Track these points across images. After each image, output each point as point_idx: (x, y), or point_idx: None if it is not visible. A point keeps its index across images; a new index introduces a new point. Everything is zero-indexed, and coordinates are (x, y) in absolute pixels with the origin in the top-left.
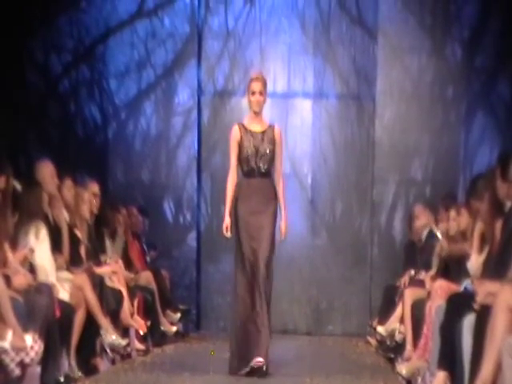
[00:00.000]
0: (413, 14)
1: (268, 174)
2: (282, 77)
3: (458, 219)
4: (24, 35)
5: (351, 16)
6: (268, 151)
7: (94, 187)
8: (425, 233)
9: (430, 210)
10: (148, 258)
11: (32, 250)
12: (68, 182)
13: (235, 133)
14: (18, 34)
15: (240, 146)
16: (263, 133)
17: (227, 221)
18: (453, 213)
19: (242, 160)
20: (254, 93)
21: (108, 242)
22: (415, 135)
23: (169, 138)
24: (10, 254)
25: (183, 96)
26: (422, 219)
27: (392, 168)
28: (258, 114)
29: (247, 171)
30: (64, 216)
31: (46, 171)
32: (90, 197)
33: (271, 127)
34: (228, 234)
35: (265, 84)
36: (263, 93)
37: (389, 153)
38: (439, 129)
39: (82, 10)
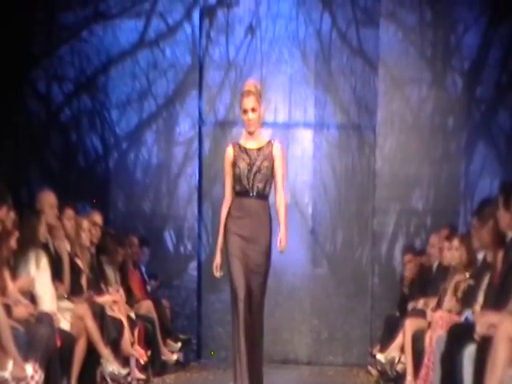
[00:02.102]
0: (413, 45)
1: (263, 196)
2: (282, 107)
3: (459, 249)
4: (26, 64)
5: (352, 47)
6: (263, 168)
7: (96, 217)
8: (436, 263)
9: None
10: (149, 288)
11: (33, 280)
12: (69, 212)
13: (228, 154)
14: (20, 64)
15: (234, 165)
16: (259, 149)
17: (218, 260)
18: (455, 243)
19: (235, 180)
20: (245, 111)
21: (109, 272)
22: (416, 165)
23: (170, 168)
24: (10, 283)
25: (184, 126)
26: (436, 248)
27: (393, 198)
28: (253, 133)
29: (239, 191)
30: (65, 245)
31: (47, 201)
32: (89, 226)
33: (270, 143)
34: (218, 274)
35: (258, 97)
36: (256, 109)
37: (389, 183)
38: (440, 159)
39: (83, 39)
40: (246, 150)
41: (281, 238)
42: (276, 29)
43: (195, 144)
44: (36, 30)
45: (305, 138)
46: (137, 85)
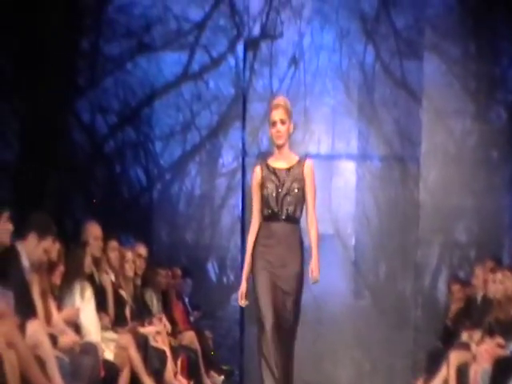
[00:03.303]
0: (457, 77)
1: (294, 220)
2: (325, 139)
3: (504, 282)
4: (71, 96)
5: (395, 79)
6: (293, 190)
7: (140, 248)
8: (480, 294)
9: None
10: (191, 318)
11: (77, 310)
12: (113, 243)
13: (256, 174)
14: (65, 95)
15: (261, 187)
16: (289, 169)
17: (243, 288)
18: (499, 276)
19: (263, 203)
20: (274, 123)
21: (152, 302)
22: (459, 197)
23: (213, 199)
24: (55, 313)
25: (227, 157)
26: (480, 280)
27: (436, 230)
28: (281, 147)
29: (268, 215)
30: (109, 277)
31: (92, 233)
32: (133, 257)
33: (301, 162)
34: (242, 303)
35: (287, 111)
36: (285, 121)
37: (433, 215)
38: (483, 191)
39: (127, 71)
40: (274, 170)
41: (312, 267)
42: (319, 60)
43: (238, 175)
44: (81, 61)
45: (348, 170)
46: (180, 117)
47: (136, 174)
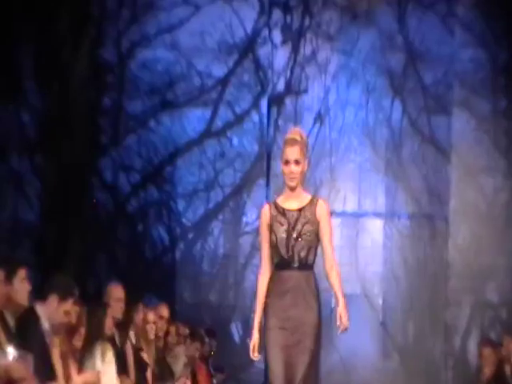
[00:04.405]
0: (487, 133)
1: (307, 266)
2: (352, 196)
3: None
4: (94, 154)
5: (423, 135)
6: (305, 233)
7: (162, 310)
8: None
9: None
10: (215, 381)
11: (98, 373)
12: (135, 305)
13: (264, 215)
14: (88, 154)
15: (270, 230)
16: (301, 210)
17: (255, 338)
18: None
19: (272, 249)
20: (287, 162)
21: (175, 365)
22: (490, 256)
23: (237, 259)
24: (75, 376)
25: (251, 216)
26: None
27: (466, 290)
28: (294, 189)
29: (278, 262)
30: (130, 339)
31: (114, 295)
32: (155, 319)
33: (313, 201)
34: (255, 356)
35: (303, 150)
36: (300, 162)
37: (463, 274)
38: None
39: (150, 129)
40: (283, 211)
41: (340, 313)
42: (345, 116)
43: None
44: (104, 119)
45: (375, 228)
46: (203, 175)
47: (159, 233)
